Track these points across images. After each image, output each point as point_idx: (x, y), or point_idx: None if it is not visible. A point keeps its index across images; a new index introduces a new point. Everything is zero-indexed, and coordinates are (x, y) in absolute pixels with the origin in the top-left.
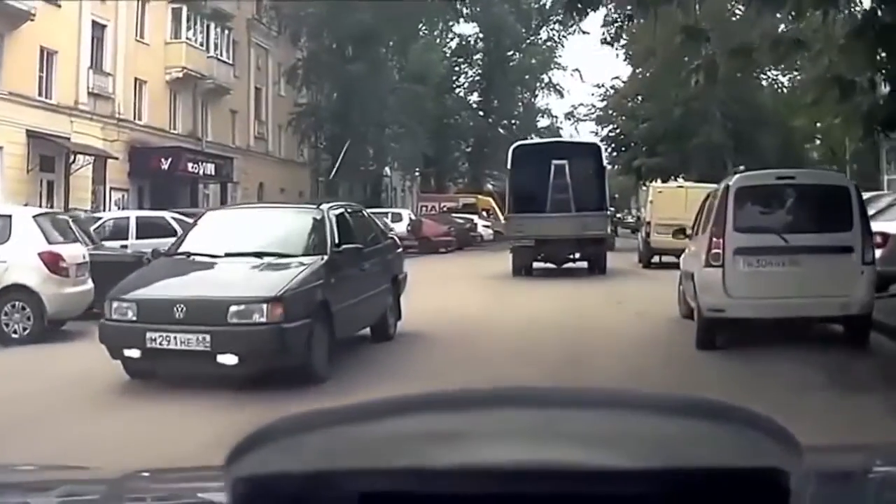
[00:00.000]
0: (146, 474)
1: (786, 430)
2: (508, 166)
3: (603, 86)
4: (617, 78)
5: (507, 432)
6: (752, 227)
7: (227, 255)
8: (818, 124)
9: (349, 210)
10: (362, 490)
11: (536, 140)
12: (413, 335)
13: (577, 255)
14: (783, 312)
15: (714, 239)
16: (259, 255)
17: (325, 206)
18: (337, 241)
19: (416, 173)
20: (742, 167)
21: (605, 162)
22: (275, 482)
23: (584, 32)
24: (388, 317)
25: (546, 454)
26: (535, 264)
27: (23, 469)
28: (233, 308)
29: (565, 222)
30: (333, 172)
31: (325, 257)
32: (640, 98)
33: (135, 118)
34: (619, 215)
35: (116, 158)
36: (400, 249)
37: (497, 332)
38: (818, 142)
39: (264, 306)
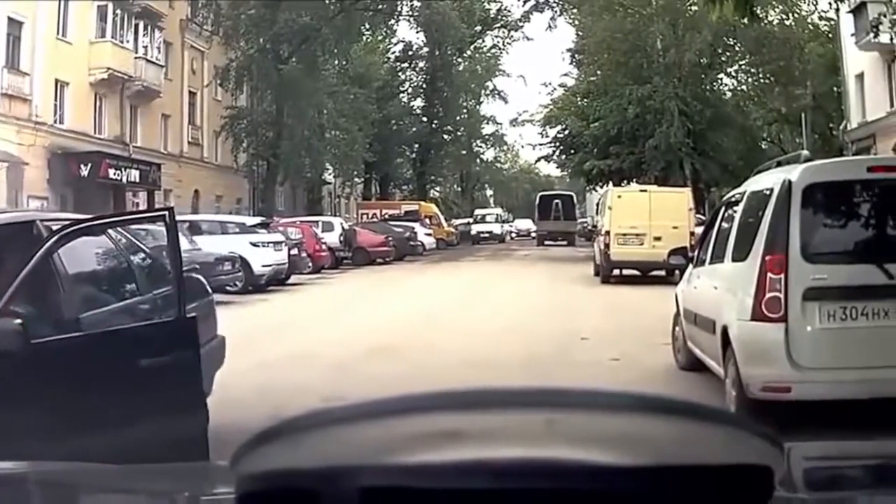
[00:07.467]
0: (155, 470)
1: (769, 430)
2: (536, 203)
3: (551, 84)
4: (566, 75)
5: (505, 431)
6: (834, 254)
7: None
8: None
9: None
10: (364, 485)
11: (549, 192)
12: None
13: (561, 239)
14: (891, 391)
15: (768, 274)
16: None
17: None
18: None
19: (358, 179)
20: (806, 152)
21: (575, 200)
22: (279, 478)
23: (528, 39)
24: None
25: (543, 452)
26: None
27: (27, 466)
28: None
29: (558, 224)
30: (265, 179)
31: None
32: (591, 95)
33: (55, 121)
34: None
35: (27, 164)
36: (209, 298)
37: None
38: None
39: None
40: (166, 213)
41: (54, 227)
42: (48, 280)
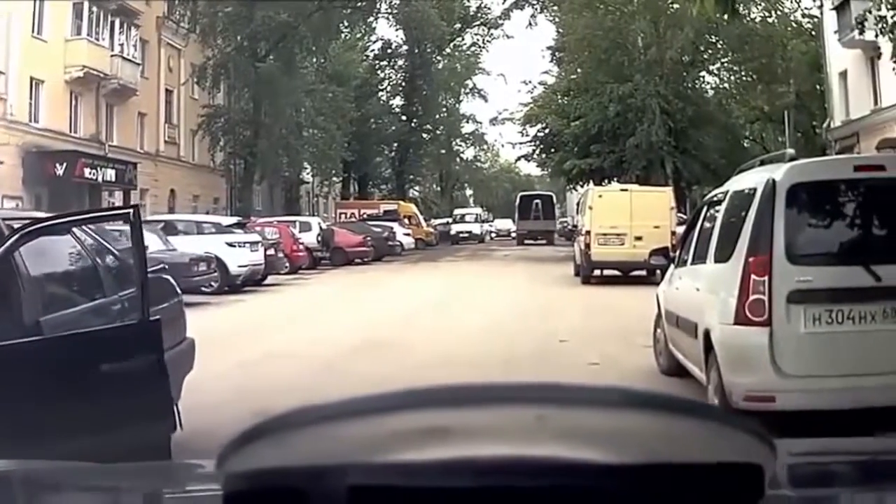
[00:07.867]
0: (142, 469)
1: (759, 427)
2: (517, 203)
3: (531, 82)
4: (547, 73)
5: (495, 428)
6: (819, 256)
7: None
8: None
9: None
10: (351, 484)
11: (529, 192)
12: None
13: (540, 238)
14: (877, 400)
15: (752, 276)
16: None
17: None
18: None
19: (336, 179)
20: (791, 151)
21: (554, 200)
22: (266, 477)
23: (508, 37)
24: None
25: (532, 450)
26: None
27: (9, 464)
28: None
29: (538, 223)
30: (243, 178)
31: None
32: (571, 93)
33: (30, 120)
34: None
35: (1, 163)
36: (179, 299)
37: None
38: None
39: None
40: (130, 210)
41: (16, 226)
42: (8, 280)
